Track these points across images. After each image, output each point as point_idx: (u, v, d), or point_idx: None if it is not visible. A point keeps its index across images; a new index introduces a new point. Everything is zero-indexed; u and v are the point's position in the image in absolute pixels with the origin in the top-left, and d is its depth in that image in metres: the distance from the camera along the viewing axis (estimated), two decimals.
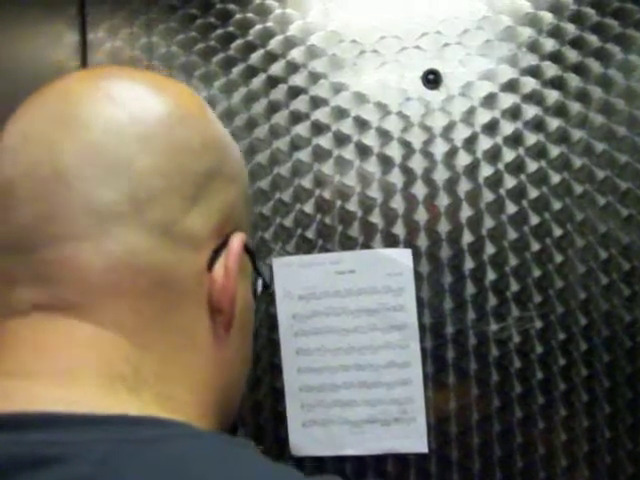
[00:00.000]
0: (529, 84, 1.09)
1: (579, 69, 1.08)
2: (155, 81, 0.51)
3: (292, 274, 1.12)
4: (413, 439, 1.10)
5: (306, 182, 1.12)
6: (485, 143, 1.09)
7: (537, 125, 1.08)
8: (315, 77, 1.12)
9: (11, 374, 0.42)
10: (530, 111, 1.09)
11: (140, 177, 0.45)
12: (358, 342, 1.11)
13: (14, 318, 0.44)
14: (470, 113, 1.10)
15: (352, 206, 1.11)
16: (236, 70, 1.13)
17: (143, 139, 0.46)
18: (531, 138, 1.08)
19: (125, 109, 0.46)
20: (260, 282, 0.58)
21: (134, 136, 0.46)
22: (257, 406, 1.13)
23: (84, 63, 1.15)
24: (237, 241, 0.50)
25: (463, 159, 1.09)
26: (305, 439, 1.12)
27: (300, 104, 1.12)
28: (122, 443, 0.38)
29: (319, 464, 1.12)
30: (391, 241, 1.10)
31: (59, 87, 0.48)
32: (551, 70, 1.08)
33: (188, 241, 0.47)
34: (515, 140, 1.09)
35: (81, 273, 0.43)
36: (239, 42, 1.13)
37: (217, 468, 0.39)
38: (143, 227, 0.45)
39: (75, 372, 0.42)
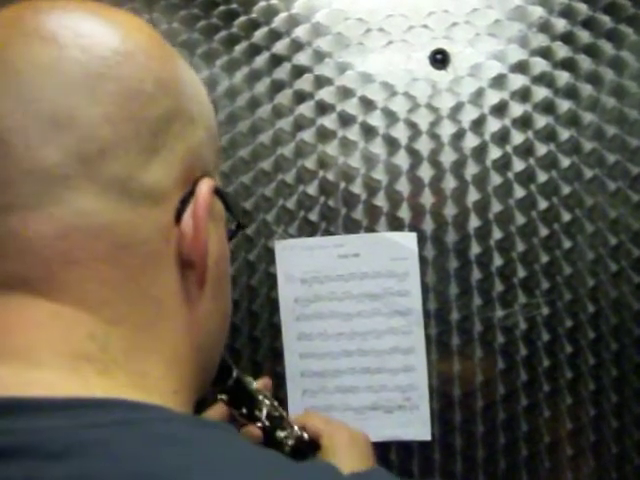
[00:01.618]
0: (539, 65, 1.06)
1: (591, 50, 1.05)
2: (96, 12, 0.44)
3: (294, 257, 1.09)
4: (416, 426, 1.08)
5: (310, 163, 1.09)
6: (493, 125, 1.07)
7: (547, 107, 1.06)
8: (320, 56, 1.09)
9: None
10: (540, 93, 1.06)
11: (86, 129, 0.40)
12: (361, 327, 1.09)
13: None
14: (478, 94, 1.07)
15: (356, 188, 1.09)
16: (239, 48, 1.10)
17: (86, 83, 0.40)
18: (541, 121, 1.06)
19: (63, 49, 0.40)
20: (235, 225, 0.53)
21: (76, 81, 0.40)
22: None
23: None
24: (205, 187, 0.45)
25: (471, 141, 1.07)
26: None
27: (304, 83, 1.10)
28: (86, 429, 0.34)
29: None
30: (396, 224, 1.08)
31: None
32: (562, 51, 1.06)
33: (149, 195, 0.42)
34: (524, 122, 1.06)
35: (31, 245, 0.39)
36: (242, 19, 1.10)
37: (190, 454, 0.35)
38: (94, 187, 0.40)
39: (34, 354, 0.38)
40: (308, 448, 0.84)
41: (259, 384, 0.85)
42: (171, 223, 0.44)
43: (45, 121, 0.39)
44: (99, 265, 0.40)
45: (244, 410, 0.79)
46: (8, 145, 0.39)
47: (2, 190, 0.39)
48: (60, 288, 0.40)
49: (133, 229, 0.41)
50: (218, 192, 0.48)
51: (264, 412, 0.81)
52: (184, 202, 0.44)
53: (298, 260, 1.09)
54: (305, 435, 0.85)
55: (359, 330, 1.09)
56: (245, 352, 1.11)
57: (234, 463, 0.36)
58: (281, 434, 0.81)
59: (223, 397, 0.78)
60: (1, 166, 0.39)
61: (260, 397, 0.82)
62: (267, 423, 0.80)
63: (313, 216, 1.09)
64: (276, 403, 0.85)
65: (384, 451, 1.08)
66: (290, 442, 0.82)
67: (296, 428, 0.84)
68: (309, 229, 1.10)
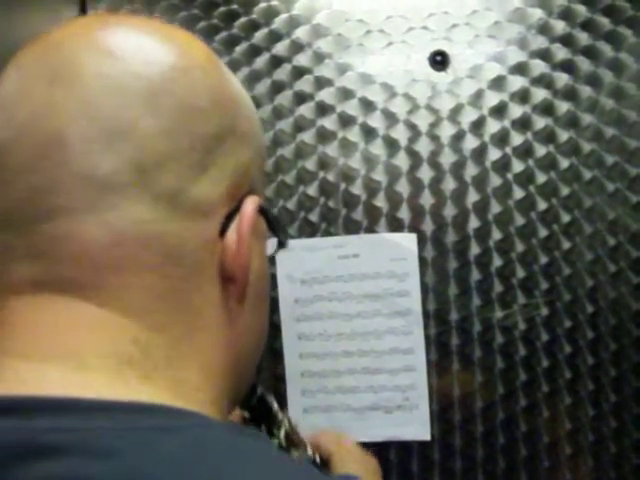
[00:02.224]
0: (538, 67, 1.07)
1: (590, 52, 1.06)
2: (158, 30, 0.46)
3: (294, 258, 1.10)
4: (416, 427, 1.08)
5: (310, 164, 1.10)
6: (493, 126, 1.07)
7: (546, 109, 1.06)
8: (320, 57, 1.10)
9: (20, 355, 0.39)
10: (539, 94, 1.06)
11: (144, 141, 0.41)
12: (361, 328, 1.09)
13: (12, 296, 0.41)
14: (478, 96, 1.07)
15: (356, 189, 1.09)
16: (239, 49, 1.11)
17: (145, 97, 0.42)
18: (540, 122, 1.06)
19: (124, 64, 0.42)
20: (275, 242, 0.53)
21: (135, 94, 0.41)
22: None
23: None
24: (251, 204, 0.46)
25: (470, 142, 1.07)
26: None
27: (304, 84, 1.10)
28: (130, 432, 0.36)
29: None
30: (396, 225, 1.08)
31: (55, 39, 0.44)
32: (561, 53, 1.06)
33: (198, 209, 0.43)
34: (523, 124, 1.07)
35: (82, 249, 0.40)
36: (243, 20, 1.11)
37: (230, 460, 0.37)
38: (149, 197, 0.41)
39: (81, 356, 0.39)
40: (319, 469, 0.85)
41: None
42: (216, 237, 0.44)
43: (106, 130, 0.40)
44: (147, 274, 0.41)
45: (263, 427, 0.80)
46: (68, 149, 0.40)
47: (58, 193, 0.40)
48: (108, 294, 0.41)
49: (181, 240, 0.43)
50: (263, 211, 0.48)
51: (282, 432, 0.81)
52: (229, 217, 0.45)
53: (298, 261, 1.10)
54: (317, 458, 0.86)
55: (359, 330, 1.09)
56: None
57: (273, 471, 0.38)
58: (295, 454, 0.82)
59: (246, 414, 0.79)
60: (59, 170, 0.40)
61: (280, 416, 0.83)
62: (284, 443, 0.81)
63: (313, 217, 1.10)
64: (294, 423, 0.85)
65: (384, 451, 1.09)
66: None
67: (309, 449, 0.85)
68: (309, 230, 1.10)
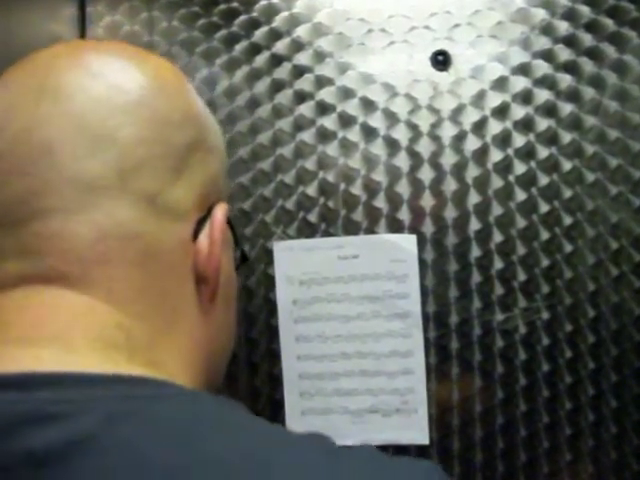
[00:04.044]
0: (541, 68, 1.05)
1: (593, 53, 1.05)
2: (135, 54, 0.51)
3: (293, 258, 1.09)
4: (414, 430, 1.07)
5: (309, 164, 1.09)
6: (495, 127, 1.06)
7: (549, 110, 1.05)
8: (321, 56, 1.09)
9: (13, 341, 0.42)
10: (542, 95, 1.05)
11: (125, 147, 0.45)
12: (360, 330, 1.08)
13: (3, 291, 0.44)
14: (480, 96, 1.06)
15: (356, 190, 1.08)
16: (239, 47, 1.10)
17: (126, 110, 0.46)
18: (542, 123, 1.05)
19: (107, 81, 0.47)
20: (239, 254, 0.58)
21: (117, 107, 0.46)
22: (254, 393, 1.10)
23: (83, 37, 1.12)
24: (220, 211, 0.51)
25: (472, 143, 1.06)
26: (304, 428, 1.08)
27: (305, 83, 1.09)
28: (125, 400, 0.38)
29: None
30: (396, 226, 1.07)
31: (41, 60, 0.48)
32: (564, 54, 1.05)
33: (173, 212, 0.47)
34: (526, 125, 1.05)
35: (69, 244, 0.44)
36: (243, 18, 1.10)
37: (219, 426, 0.40)
38: (129, 198, 0.45)
39: (71, 339, 0.42)
40: None
41: None
42: (189, 240, 0.49)
43: (91, 138, 0.45)
44: (129, 267, 0.45)
45: None
46: (57, 156, 0.44)
47: (48, 195, 0.44)
48: (93, 284, 0.44)
49: (159, 240, 0.47)
50: (229, 220, 0.53)
51: None
52: (201, 222, 0.50)
53: (297, 261, 1.09)
54: None
55: (358, 332, 1.08)
56: (242, 354, 1.10)
57: (260, 437, 0.41)
58: None
59: None
60: (49, 174, 0.44)
61: None
62: None
63: (312, 217, 1.09)
64: None
65: None
66: None
67: None
68: (308, 230, 1.09)
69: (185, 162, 0.48)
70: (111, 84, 0.47)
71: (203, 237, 0.49)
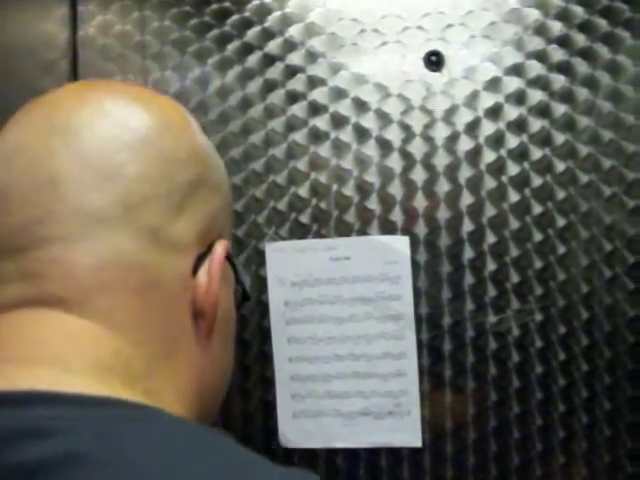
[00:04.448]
0: (535, 68, 1.05)
1: (587, 54, 1.04)
2: (142, 94, 0.54)
3: (285, 260, 1.08)
4: (407, 433, 1.06)
5: (301, 165, 1.08)
6: (488, 128, 1.05)
7: (542, 111, 1.05)
8: (313, 56, 1.08)
9: (11, 361, 0.43)
10: (535, 96, 1.05)
11: (130, 183, 0.47)
12: (352, 331, 1.07)
13: (3, 312, 0.45)
14: (473, 97, 1.06)
15: (349, 191, 1.07)
16: (231, 47, 1.09)
17: (132, 148, 0.48)
18: (536, 124, 1.05)
19: (115, 119, 0.49)
20: (240, 291, 0.59)
21: (124, 145, 0.48)
22: (246, 395, 1.10)
23: (74, 36, 1.11)
24: (220, 248, 0.52)
25: (465, 144, 1.06)
26: (295, 430, 1.08)
27: (297, 84, 1.08)
28: (117, 421, 0.39)
29: (310, 457, 1.08)
30: (388, 228, 1.07)
31: (51, 99, 0.51)
32: (558, 54, 1.05)
33: (174, 246, 0.49)
34: (519, 126, 1.05)
35: (71, 270, 0.45)
36: (235, 18, 1.09)
37: (207, 453, 0.40)
38: (132, 231, 0.47)
39: (68, 361, 0.43)
40: None
41: None
42: (189, 274, 0.50)
43: (97, 173, 0.46)
44: (129, 295, 0.46)
45: None
46: (63, 188, 0.46)
47: (52, 224, 0.45)
48: (93, 310, 0.45)
49: (159, 271, 0.48)
50: (229, 258, 0.54)
51: None
52: (201, 258, 0.51)
53: (289, 263, 1.08)
54: None
55: (350, 334, 1.07)
56: (234, 355, 1.09)
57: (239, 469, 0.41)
58: None
59: None
60: (54, 204, 0.46)
61: None
62: None
63: (304, 218, 1.08)
64: None
65: (374, 457, 1.07)
66: None
67: None
68: (300, 231, 1.08)
69: (188, 198, 0.50)
70: (118, 122, 0.49)
71: (202, 272, 0.50)
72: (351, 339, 1.07)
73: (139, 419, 0.41)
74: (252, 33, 1.09)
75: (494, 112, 1.05)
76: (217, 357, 0.54)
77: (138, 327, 0.47)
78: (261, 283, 1.09)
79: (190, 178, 0.51)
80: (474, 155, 1.06)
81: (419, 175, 1.06)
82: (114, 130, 0.48)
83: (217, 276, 0.50)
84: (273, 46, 1.08)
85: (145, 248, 0.47)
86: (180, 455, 0.39)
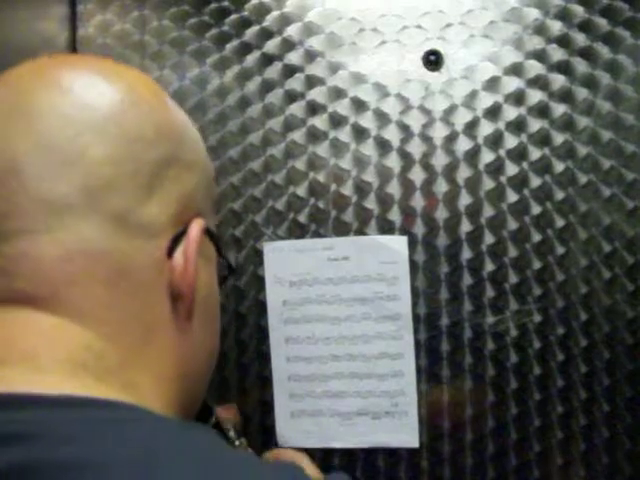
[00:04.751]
0: (534, 68, 1.04)
1: (587, 54, 1.04)
2: (108, 68, 0.50)
3: (283, 259, 1.08)
4: (404, 433, 1.06)
5: (300, 164, 1.08)
6: (487, 128, 1.05)
7: (541, 111, 1.04)
8: (311, 55, 1.08)
9: None
10: (534, 96, 1.04)
11: (92, 167, 0.45)
12: (350, 331, 1.07)
13: None
14: (472, 97, 1.05)
15: (347, 190, 1.07)
16: (230, 46, 1.09)
17: (94, 128, 0.46)
18: (535, 124, 1.04)
19: (76, 98, 0.46)
20: (226, 265, 0.57)
21: (85, 125, 0.45)
22: (243, 394, 1.09)
23: (73, 36, 1.11)
24: (196, 228, 0.50)
25: (463, 144, 1.05)
26: (293, 430, 1.08)
27: (295, 83, 1.08)
28: (89, 423, 0.38)
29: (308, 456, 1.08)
30: (386, 228, 1.06)
31: (10, 79, 0.48)
32: (557, 54, 1.04)
33: (145, 229, 0.47)
34: (518, 126, 1.04)
35: (37, 265, 0.44)
36: (234, 17, 1.09)
37: (182, 451, 0.39)
38: (97, 217, 0.45)
39: (37, 359, 0.42)
40: None
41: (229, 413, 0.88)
42: (164, 257, 0.48)
43: (57, 158, 0.44)
44: (98, 287, 0.45)
45: None
46: (23, 176, 0.44)
47: (15, 216, 0.44)
48: (62, 305, 0.44)
49: (129, 257, 0.46)
50: (211, 235, 0.53)
51: None
52: (176, 239, 0.49)
53: (287, 262, 1.08)
54: None
55: (348, 334, 1.07)
56: (232, 355, 1.09)
57: (219, 466, 0.40)
58: None
59: None
60: (14, 195, 0.44)
61: (237, 443, 0.83)
62: None
63: (302, 218, 1.08)
64: (249, 450, 0.86)
65: (371, 457, 1.07)
66: None
67: None
68: (298, 231, 1.08)
69: (158, 178, 0.48)
70: (80, 101, 0.46)
71: (178, 254, 0.48)
72: (349, 339, 1.07)
73: (110, 420, 0.39)
74: (251, 32, 1.09)
75: (493, 112, 1.05)
76: (199, 339, 0.52)
77: (110, 319, 0.45)
78: (259, 283, 1.09)
79: (159, 157, 0.48)
80: (473, 155, 1.05)
81: (417, 175, 1.06)
82: (75, 110, 0.46)
83: (193, 256, 0.49)
84: (271, 45, 1.08)
85: (112, 235, 0.45)
86: (150, 457, 0.37)
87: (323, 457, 1.08)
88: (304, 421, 1.08)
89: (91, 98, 0.47)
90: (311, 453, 1.07)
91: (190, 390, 0.52)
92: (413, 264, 1.06)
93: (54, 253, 0.44)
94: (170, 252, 0.48)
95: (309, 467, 0.88)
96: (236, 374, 1.09)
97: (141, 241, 0.46)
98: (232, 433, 0.86)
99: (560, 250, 1.04)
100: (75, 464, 0.36)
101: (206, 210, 0.53)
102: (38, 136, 0.45)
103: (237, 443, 0.84)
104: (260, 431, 1.10)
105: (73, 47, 1.11)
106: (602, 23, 1.03)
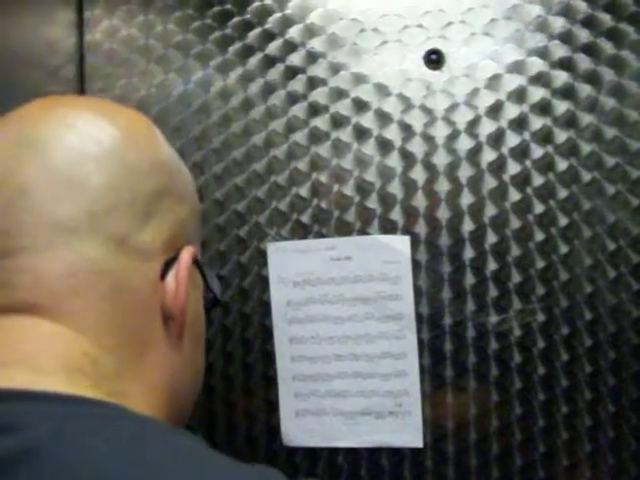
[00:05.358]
0: (536, 65, 1.03)
1: (590, 50, 1.02)
2: (108, 107, 0.56)
3: (286, 260, 1.09)
4: (408, 433, 1.06)
5: (302, 165, 1.09)
6: (489, 127, 1.04)
7: (543, 108, 1.03)
8: (313, 57, 1.08)
9: None
10: (537, 94, 1.03)
11: (95, 193, 0.49)
12: (353, 331, 1.07)
13: None
14: (473, 95, 1.05)
15: (349, 190, 1.07)
16: (232, 49, 1.10)
17: (98, 159, 0.50)
18: (537, 122, 1.03)
19: (81, 132, 0.51)
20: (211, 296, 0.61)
21: (89, 156, 0.50)
22: (249, 394, 1.11)
23: (80, 41, 1.13)
24: (187, 254, 0.54)
25: (465, 143, 1.05)
26: (298, 429, 1.09)
27: (297, 84, 1.09)
28: (78, 418, 0.41)
29: (312, 456, 1.09)
30: (389, 227, 1.07)
31: (19, 113, 0.53)
32: (560, 51, 1.03)
33: (141, 252, 0.51)
34: (520, 124, 1.04)
35: (40, 278, 0.47)
36: (236, 20, 1.10)
37: (161, 448, 0.41)
38: (98, 239, 0.48)
39: (37, 362, 0.45)
40: None
41: None
42: (158, 279, 0.52)
43: (63, 184, 0.48)
44: (99, 300, 0.48)
45: None
46: (31, 199, 0.48)
47: (22, 235, 0.47)
48: (63, 314, 0.47)
49: (127, 277, 0.50)
50: (197, 263, 0.57)
51: None
52: (168, 264, 0.53)
53: (290, 262, 1.09)
54: None
55: (351, 334, 1.07)
56: (237, 354, 1.10)
57: (200, 467, 0.42)
58: None
59: None
60: (23, 216, 0.47)
61: None
62: None
63: (305, 218, 1.08)
64: None
65: (375, 457, 1.07)
66: None
67: None
68: (301, 231, 1.09)
69: (153, 207, 0.52)
70: (84, 135, 0.50)
71: (170, 278, 0.52)
72: (352, 339, 1.07)
73: (100, 416, 0.42)
74: (253, 35, 1.10)
75: (495, 110, 1.04)
76: (189, 357, 0.56)
77: (108, 330, 0.48)
78: (263, 283, 1.09)
79: (154, 187, 0.52)
80: (475, 154, 1.05)
81: (419, 174, 1.06)
82: (80, 142, 0.50)
83: (184, 281, 0.52)
84: (273, 48, 1.09)
85: (112, 255, 0.49)
86: (136, 452, 0.40)
87: (328, 456, 1.09)
88: (308, 420, 1.09)
89: (93, 133, 0.51)
90: (316, 452, 1.08)
91: (179, 404, 0.56)
92: (416, 263, 1.06)
93: (57, 269, 0.47)
94: (163, 275, 0.52)
95: None
96: (241, 374, 1.10)
97: (138, 263, 0.50)
98: None
99: (564, 249, 1.03)
100: (54, 459, 0.38)
101: (195, 240, 0.58)
102: (46, 163, 0.49)
103: None
104: (265, 430, 1.10)
105: (80, 52, 1.13)
106: (605, 19, 1.02)
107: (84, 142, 0.50)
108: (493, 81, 1.04)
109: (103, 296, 0.48)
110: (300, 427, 1.09)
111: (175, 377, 0.54)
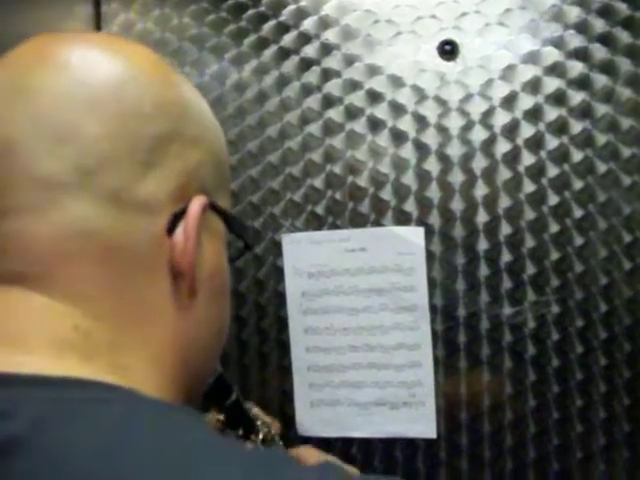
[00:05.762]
0: (551, 55, 1.03)
1: (606, 39, 1.01)
2: (108, 44, 0.49)
3: (301, 251, 1.09)
4: (422, 424, 1.06)
5: (316, 156, 1.09)
6: (503, 117, 1.04)
7: (559, 99, 1.02)
8: (327, 48, 1.08)
9: None
10: (552, 84, 1.03)
11: (87, 144, 0.44)
12: (368, 322, 1.08)
13: None
14: (488, 86, 1.04)
15: (363, 182, 1.08)
16: (247, 42, 1.11)
17: (90, 104, 0.45)
18: (552, 113, 1.03)
19: (72, 74, 0.45)
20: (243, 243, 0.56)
21: (81, 102, 0.45)
22: (263, 384, 1.12)
23: None
24: (196, 204, 0.48)
25: (479, 134, 1.04)
26: (312, 419, 1.10)
27: (311, 76, 1.09)
28: (61, 402, 0.38)
29: (326, 445, 1.09)
30: (403, 219, 1.07)
31: (9, 59, 0.48)
32: (575, 40, 1.02)
33: (143, 206, 0.46)
34: (535, 115, 1.03)
35: (29, 244, 0.43)
36: (251, 13, 1.10)
37: (149, 433, 0.38)
38: (91, 195, 0.44)
39: (25, 340, 0.42)
40: None
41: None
42: (163, 234, 0.47)
43: (51, 136, 0.44)
44: (90, 265, 0.44)
45: (240, 432, 0.82)
46: (16, 155, 0.43)
47: (8, 195, 0.44)
48: (53, 284, 0.44)
49: (124, 235, 0.45)
50: (217, 210, 0.51)
51: (260, 437, 0.83)
52: (177, 216, 0.47)
53: (305, 254, 1.09)
54: None
55: (366, 325, 1.08)
56: (252, 344, 1.11)
57: (192, 446, 0.38)
58: None
59: (220, 417, 0.80)
60: (8, 173, 0.44)
61: (258, 423, 0.84)
62: (261, 448, 0.82)
63: (320, 209, 1.09)
64: (273, 431, 0.86)
65: (389, 447, 1.08)
66: None
67: None
68: (316, 223, 1.09)
69: (157, 154, 0.46)
70: (76, 78, 0.45)
71: (179, 232, 0.47)
72: (366, 330, 1.08)
73: (90, 400, 0.39)
74: (267, 27, 1.10)
75: (509, 101, 1.04)
76: (204, 317, 0.51)
77: (101, 298, 0.45)
78: (278, 274, 1.10)
79: (158, 132, 0.47)
80: (489, 145, 1.04)
81: (433, 165, 1.06)
82: (71, 87, 0.45)
83: (193, 234, 0.47)
84: (288, 40, 1.09)
85: (105, 213, 0.44)
86: (124, 440, 0.37)
87: (342, 447, 1.09)
88: (323, 411, 1.09)
89: (87, 74, 0.46)
90: (330, 443, 1.09)
91: (196, 367, 0.51)
92: (430, 255, 1.06)
93: (47, 232, 0.43)
94: (170, 229, 0.47)
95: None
96: (257, 363, 1.11)
97: (137, 218, 0.46)
98: (254, 411, 0.86)
99: (579, 240, 1.02)
100: (40, 447, 0.36)
101: (213, 186, 0.52)
102: (32, 114, 0.44)
103: (258, 423, 0.85)
104: (280, 420, 1.11)
105: None
106: (622, 8, 1.01)
107: (75, 87, 0.45)
108: (508, 72, 1.04)
109: (96, 260, 0.44)
110: (315, 417, 1.10)
111: (187, 341, 0.49)
